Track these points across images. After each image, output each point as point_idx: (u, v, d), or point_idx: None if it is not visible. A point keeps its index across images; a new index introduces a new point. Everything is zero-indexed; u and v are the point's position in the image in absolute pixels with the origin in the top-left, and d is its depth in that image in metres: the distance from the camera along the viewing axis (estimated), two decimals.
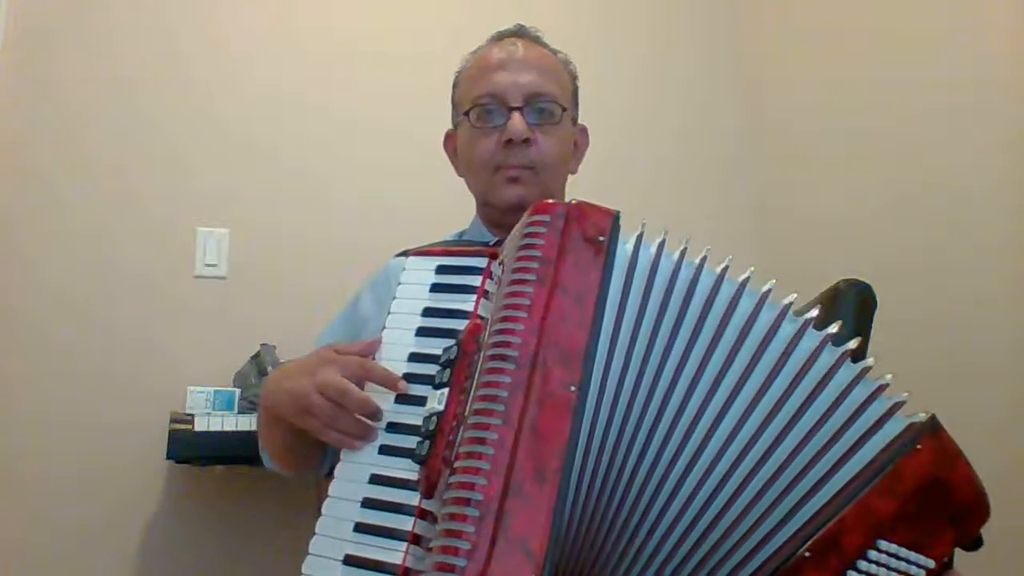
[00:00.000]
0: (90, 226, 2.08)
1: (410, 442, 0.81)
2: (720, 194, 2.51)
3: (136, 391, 2.03)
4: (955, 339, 1.81)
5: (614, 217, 0.82)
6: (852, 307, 1.14)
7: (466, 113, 1.21)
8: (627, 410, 0.78)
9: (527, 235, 0.82)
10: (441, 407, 0.80)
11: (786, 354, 0.80)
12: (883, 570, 0.77)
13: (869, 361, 0.81)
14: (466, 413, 0.78)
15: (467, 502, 0.72)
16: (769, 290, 0.81)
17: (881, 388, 0.81)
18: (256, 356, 2.03)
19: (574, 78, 1.31)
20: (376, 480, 0.82)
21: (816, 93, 2.33)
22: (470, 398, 0.78)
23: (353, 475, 0.84)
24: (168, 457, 1.80)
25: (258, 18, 2.27)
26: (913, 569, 0.78)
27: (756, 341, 0.80)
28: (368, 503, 0.81)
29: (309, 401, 0.87)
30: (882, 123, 2.08)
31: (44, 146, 2.08)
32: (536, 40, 1.29)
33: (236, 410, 1.96)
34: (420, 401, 0.84)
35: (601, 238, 0.81)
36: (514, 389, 0.76)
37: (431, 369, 0.84)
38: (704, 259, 0.82)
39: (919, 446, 0.80)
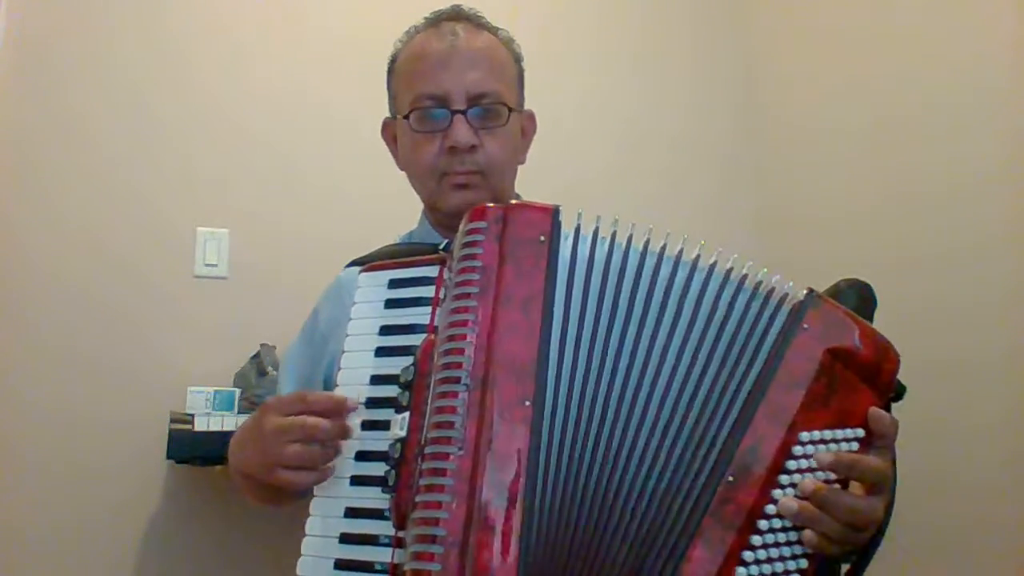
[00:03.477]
0: (90, 226, 2.08)
1: (380, 470, 0.79)
2: (720, 195, 2.51)
3: (136, 391, 2.03)
4: (955, 339, 1.81)
5: (554, 213, 0.79)
6: (852, 307, 1.14)
7: (405, 116, 1.14)
8: (588, 411, 0.76)
9: (466, 244, 0.80)
10: (404, 433, 0.78)
11: (711, 310, 0.79)
12: (815, 461, 0.74)
13: (771, 280, 0.80)
14: (423, 440, 0.76)
15: (431, 539, 0.71)
16: (697, 255, 0.80)
17: (770, 294, 0.79)
18: (256, 356, 2.03)
19: (518, 60, 1.22)
20: (351, 514, 0.81)
21: (815, 93, 2.33)
22: (426, 424, 0.76)
23: (328, 510, 0.82)
24: (168, 457, 1.80)
25: (258, 18, 2.26)
26: (844, 445, 0.76)
27: (689, 308, 0.79)
28: (346, 538, 0.80)
29: (273, 454, 0.83)
30: (881, 123, 2.08)
31: (44, 146, 2.08)
32: (477, 22, 1.18)
33: (236, 410, 1.95)
34: (386, 426, 0.81)
35: (542, 238, 0.78)
36: (467, 412, 0.74)
37: (394, 391, 0.82)
38: (647, 242, 0.80)
39: (806, 326, 0.77)
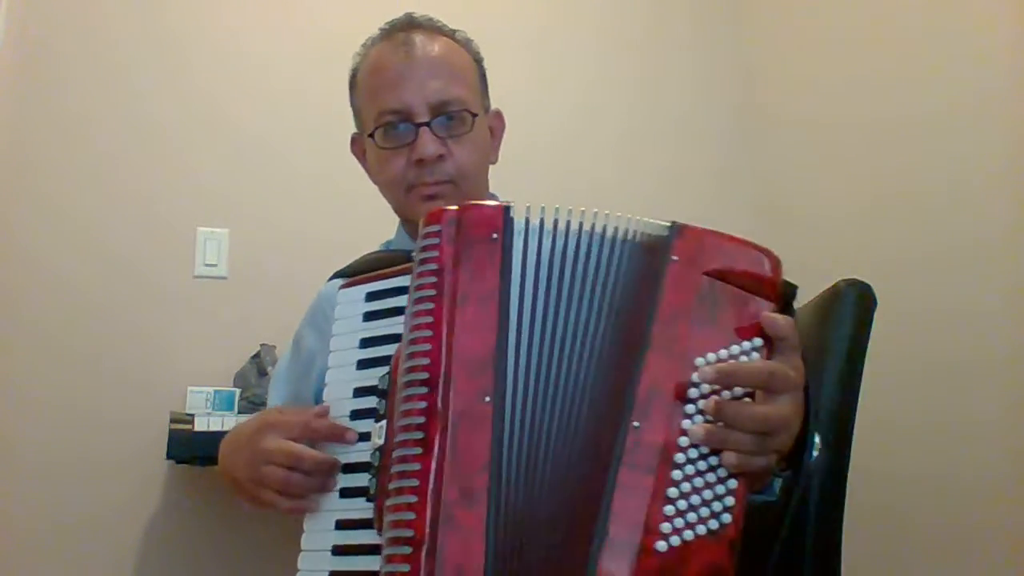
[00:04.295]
0: (90, 226, 2.08)
1: (365, 480, 0.81)
2: (719, 194, 2.50)
3: (136, 391, 2.03)
4: (955, 339, 1.80)
5: (505, 211, 0.81)
6: (852, 307, 1.14)
7: (371, 134, 1.14)
8: (541, 400, 0.76)
9: (423, 249, 0.81)
10: (382, 441, 0.79)
11: (616, 276, 0.80)
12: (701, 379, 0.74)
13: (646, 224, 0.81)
14: (391, 445, 0.77)
15: (401, 541, 0.72)
16: (616, 227, 0.80)
17: (644, 240, 0.80)
18: (256, 356, 2.03)
19: (479, 61, 1.20)
20: (342, 526, 0.82)
21: (815, 93, 2.33)
22: (394, 429, 0.77)
23: (320, 524, 0.83)
24: (168, 457, 1.80)
25: (259, 18, 2.27)
26: (744, 358, 0.75)
27: (600, 281, 0.79)
28: (338, 550, 0.81)
29: (259, 472, 0.86)
30: (881, 123, 2.07)
31: (44, 146, 2.08)
32: (432, 28, 1.17)
33: (236, 410, 1.96)
34: (368, 436, 0.83)
35: (495, 235, 0.80)
36: (429, 413, 0.74)
37: (375, 401, 0.83)
38: (580, 225, 0.80)
39: (674, 257, 0.78)
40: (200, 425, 1.78)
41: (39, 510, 1.95)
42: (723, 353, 0.75)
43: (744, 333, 0.76)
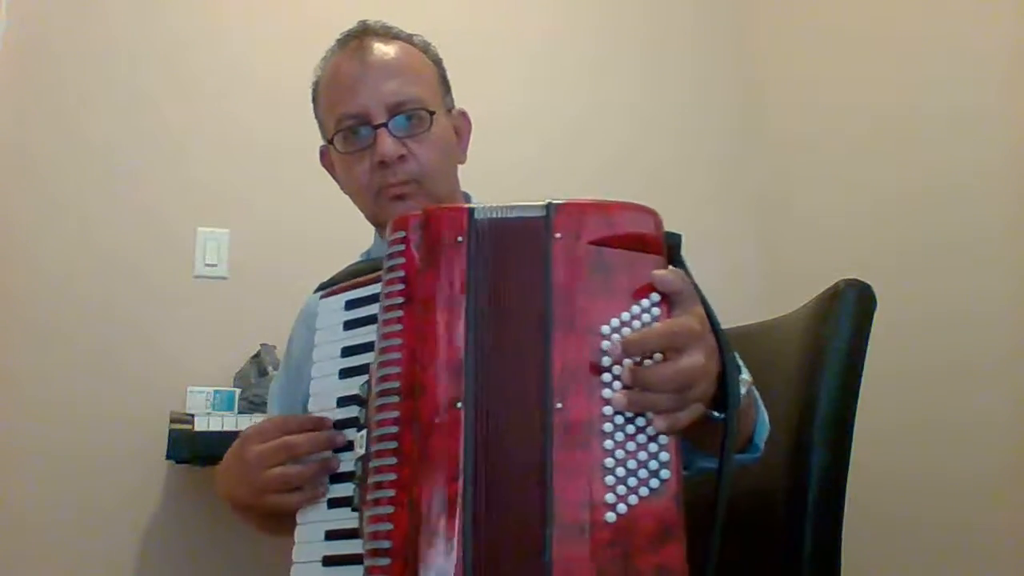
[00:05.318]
0: (90, 226, 2.08)
1: (351, 490, 0.81)
2: (720, 195, 2.51)
3: (136, 391, 2.03)
4: (955, 339, 1.81)
5: (469, 213, 0.80)
6: (852, 307, 1.14)
7: (330, 140, 1.15)
8: (510, 399, 0.76)
9: (390, 255, 0.81)
10: (363, 450, 0.80)
11: (508, 265, 0.79)
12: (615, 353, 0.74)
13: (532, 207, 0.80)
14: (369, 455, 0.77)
15: (379, 552, 0.72)
16: (531, 207, 0.80)
17: (534, 224, 0.79)
18: (256, 356, 2.03)
19: (438, 63, 1.20)
20: (331, 536, 0.82)
21: (816, 93, 2.33)
22: (371, 437, 0.77)
23: (310, 536, 0.83)
24: (168, 457, 1.80)
25: (260, 18, 2.27)
26: (646, 316, 0.75)
27: (512, 270, 0.79)
28: (328, 561, 0.81)
29: (257, 481, 0.86)
30: (882, 123, 2.08)
31: (44, 146, 2.08)
32: (387, 33, 1.19)
33: (236, 410, 1.96)
34: (352, 446, 0.83)
35: (460, 239, 0.79)
36: (402, 422, 0.75)
37: (357, 410, 0.83)
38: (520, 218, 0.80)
39: (557, 235, 0.78)
40: (200, 425, 1.78)
41: (39, 509, 1.95)
42: (625, 316, 0.75)
43: (639, 294, 0.76)
